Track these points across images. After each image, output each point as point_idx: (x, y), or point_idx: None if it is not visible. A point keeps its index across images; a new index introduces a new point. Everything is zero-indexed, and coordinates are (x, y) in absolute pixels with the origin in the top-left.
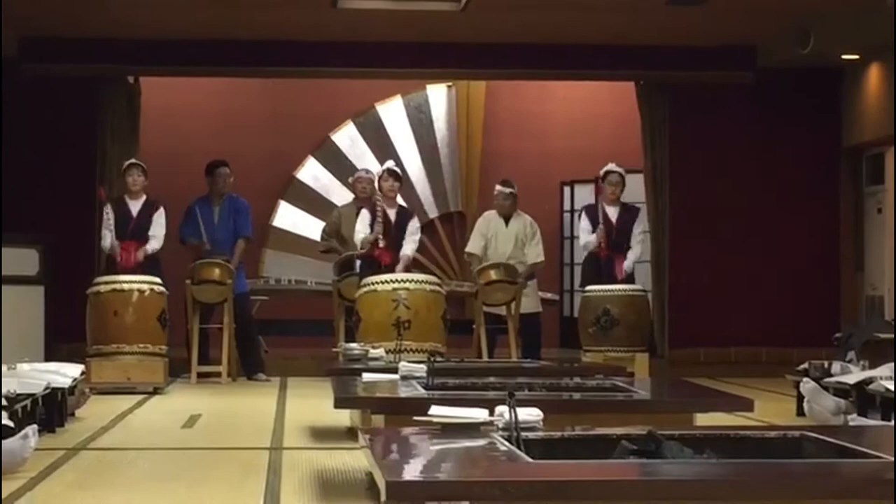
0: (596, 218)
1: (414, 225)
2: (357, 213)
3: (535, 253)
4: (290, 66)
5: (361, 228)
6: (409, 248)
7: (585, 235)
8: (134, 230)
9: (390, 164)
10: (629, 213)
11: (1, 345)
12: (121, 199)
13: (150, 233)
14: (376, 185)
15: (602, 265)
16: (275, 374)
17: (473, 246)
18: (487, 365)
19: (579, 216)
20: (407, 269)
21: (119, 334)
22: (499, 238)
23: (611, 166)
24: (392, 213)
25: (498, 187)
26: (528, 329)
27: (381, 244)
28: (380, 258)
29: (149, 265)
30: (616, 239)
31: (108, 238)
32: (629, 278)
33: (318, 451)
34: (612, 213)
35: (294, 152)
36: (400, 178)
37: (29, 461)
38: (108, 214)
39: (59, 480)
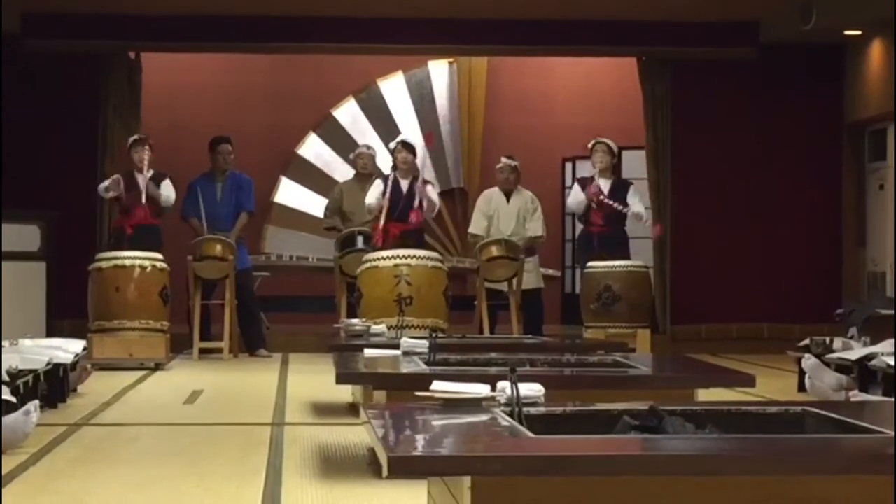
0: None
1: (429, 187)
2: (362, 187)
3: (536, 227)
4: (292, 41)
5: (373, 196)
6: (430, 200)
7: (574, 195)
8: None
9: (404, 136)
10: (622, 185)
11: (1, 322)
12: (129, 174)
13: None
14: (390, 156)
15: (595, 242)
16: (276, 350)
17: (476, 226)
18: (489, 341)
19: (570, 187)
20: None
21: (121, 310)
22: (501, 215)
23: (597, 138)
24: (405, 185)
25: (503, 160)
26: (530, 305)
27: (382, 220)
28: (390, 230)
29: (150, 235)
30: (609, 213)
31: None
32: (635, 218)
33: (320, 426)
34: (605, 185)
35: (295, 128)
36: (414, 150)
37: (31, 437)
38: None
39: (60, 456)
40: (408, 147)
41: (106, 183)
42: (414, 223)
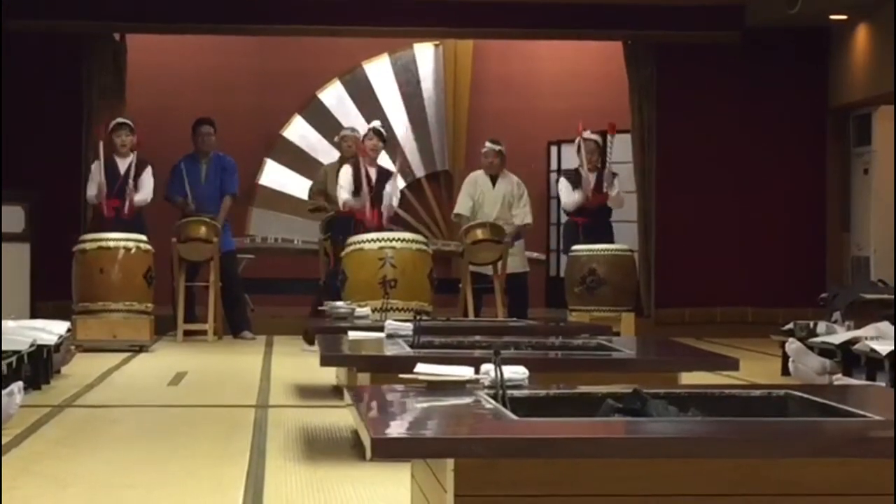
0: (576, 181)
1: (392, 185)
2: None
3: (523, 214)
4: (278, 23)
5: (345, 185)
6: (388, 203)
7: (567, 194)
8: (121, 188)
9: (376, 123)
10: (608, 177)
11: (0, 301)
12: (109, 158)
13: (139, 188)
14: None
15: (581, 231)
16: (261, 333)
17: (461, 207)
18: (474, 324)
19: (557, 181)
20: (389, 221)
21: (105, 292)
22: (486, 199)
23: (586, 134)
24: (373, 173)
25: (488, 144)
26: (515, 289)
27: (367, 210)
28: (359, 218)
29: (134, 222)
30: (595, 203)
31: (92, 188)
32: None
33: (304, 408)
34: (591, 179)
35: (281, 111)
36: (384, 138)
37: (14, 418)
38: (97, 167)
39: (44, 437)
40: (378, 134)
41: (93, 192)
42: (374, 223)
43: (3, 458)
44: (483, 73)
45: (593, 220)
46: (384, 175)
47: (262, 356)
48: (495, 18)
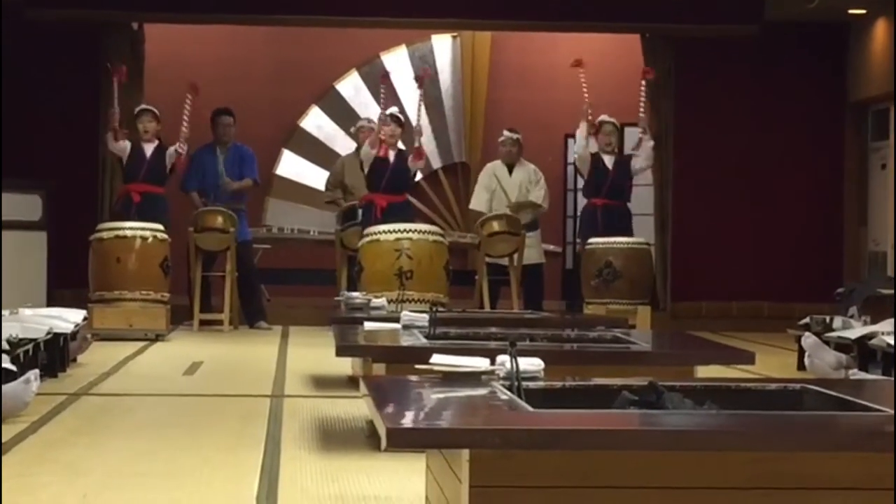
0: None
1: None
2: (360, 163)
3: (539, 195)
4: (295, 13)
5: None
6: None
7: (579, 139)
8: (146, 174)
9: (393, 109)
10: (624, 160)
11: (1, 291)
12: (135, 143)
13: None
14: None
15: (599, 216)
16: (276, 323)
17: (478, 202)
18: (489, 315)
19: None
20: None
21: (121, 281)
22: (504, 186)
23: (604, 117)
24: (391, 156)
25: (506, 133)
26: (531, 280)
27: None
28: (376, 201)
29: (158, 204)
30: (613, 187)
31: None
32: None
33: (320, 399)
34: (609, 161)
35: (298, 101)
36: (402, 123)
37: (30, 406)
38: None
39: (60, 425)
40: (396, 120)
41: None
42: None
43: (19, 446)
44: (500, 65)
45: (613, 201)
46: (402, 157)
47: (277, 346)
48: (513, 10)
